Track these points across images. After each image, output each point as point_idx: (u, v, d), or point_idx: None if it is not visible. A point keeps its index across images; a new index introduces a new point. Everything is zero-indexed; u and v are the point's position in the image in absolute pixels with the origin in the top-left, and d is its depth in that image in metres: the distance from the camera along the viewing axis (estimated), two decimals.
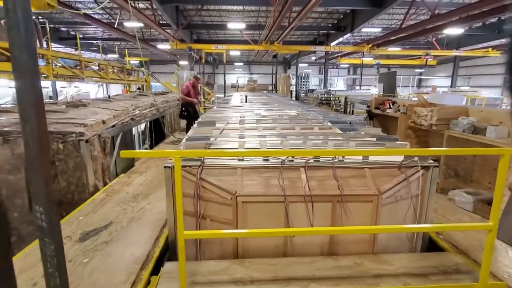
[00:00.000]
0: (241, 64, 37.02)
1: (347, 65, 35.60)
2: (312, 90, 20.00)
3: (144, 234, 2.95)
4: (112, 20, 16.07)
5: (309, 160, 2.64)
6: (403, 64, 28.48)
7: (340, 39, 18.77)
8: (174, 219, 2.69)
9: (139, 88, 15.10)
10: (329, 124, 3.90)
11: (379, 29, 18.10)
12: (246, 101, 7.30)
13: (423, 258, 2.63)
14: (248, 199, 2.46)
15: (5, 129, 3.74)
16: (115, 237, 2.89)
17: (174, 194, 2.65)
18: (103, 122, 4.53)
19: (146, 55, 30.42)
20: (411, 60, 26.35)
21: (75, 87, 27.00)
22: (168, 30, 15.55)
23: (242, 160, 2.70)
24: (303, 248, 2.57)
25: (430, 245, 2.98)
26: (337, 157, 2.70)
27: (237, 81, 30.51)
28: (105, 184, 4.38)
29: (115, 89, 35.11)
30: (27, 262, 2.47)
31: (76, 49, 14.63)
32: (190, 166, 2.61)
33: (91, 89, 27.90)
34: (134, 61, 23.38)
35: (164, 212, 3.41)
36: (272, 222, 2.51)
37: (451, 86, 24.60)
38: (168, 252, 2.79)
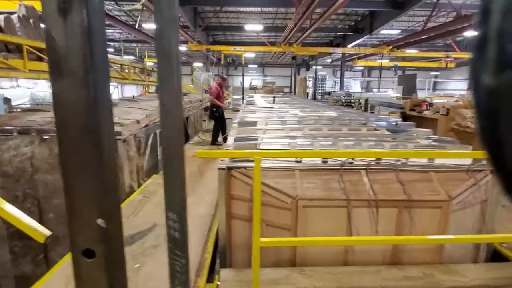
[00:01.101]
0: (255, 66, 36.99)
1: (362, 67, 35.20)
2: (329, 93, 19.74)
3: (191, 239, 2.81)
4: (131, 22, 16.18)
5: (370, 162, 2.48)
6: (419, 67, 27.95)
7: (358, 41, 18.50)
8: (228, 224, 2.57)
9: (156, 90, 15.13)
10: (374, 125, 3.72)
11: (398, 31, 17.76)
12: (274, 102, 7.18)
13: (493, 268, 2.44)
14: (309, 203, 2.31)
15: (42, 127, 3.68)
16: (162, 241, 2.77)
17: (228, 197, 2.53)
18: (137, 122, 4.45)
19: None
20: (428, 62, 25.81)
21: None
22: (188, 32, 15.57)
23: (300, 162, 2.55)
24: (364, 256, 2.40)
25: (494, 254, 2.78)
26: (399, 159, 2.53)
27: (250, 83, 30.46)
28: (139, 185, 4.30)
29: (130, 90, 35.53)
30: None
31: None
32: (245, 168, 2.47)
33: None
34: (150, 62, 23.59)
35: (206, 215, 3.31)
36: (333, 228, 2.35)
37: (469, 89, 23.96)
38: (218, 259, 2.66)
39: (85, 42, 0.66)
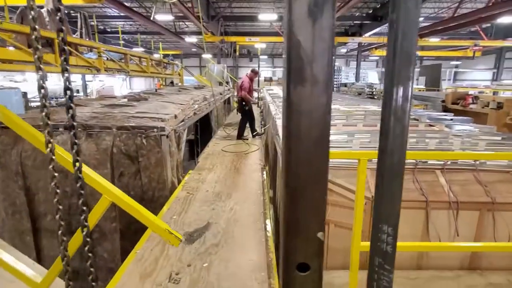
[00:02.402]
0: (265, 57, 36.69)
1: (377, 58, 34.63)
2: (345, 84, 19.49)
3: (249, 238, 2.80)
4: (143, 13, 16.11)
5: (447, 161, 2.41)
6: (438, 56, 27.41)
7: (376, 30, 18.15)
8: None
9: (171, 82, 15.11)
10: (428, 121, 3.64)
11: (421, 18, 17.37)
12: None
13: None
14: None
15: (87, 123, 3.68)
16: (221, 239, 2.76)
17: None
18: (175, 116, 4.42)
19: (172, 48, 30.59)
20: (449, 51, 25.19)
21: (100, 81, 27.51)
22: (204, 23, 15.44)
23: (370, 160, 2.50)
24: (440, 260, 2.36)
25: None
26: (477, 160, 2.46)
27: (259, 74, 30.23)
28: (179, 180, 4.29)
29: (138, 83, 35.64)
30: None
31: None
32: None
33: (115, 83, 28.36)
34: (157, 54, 23.52)
35: (256, 214, 3.28)
36: (408, 230, 2.30)
37: (495, 80, 23.42)
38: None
39: (330, 46, 0.62)
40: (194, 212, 3.32)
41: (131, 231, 3.79)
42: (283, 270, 0.74)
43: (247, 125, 6.97)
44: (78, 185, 1.03)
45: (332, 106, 3.07)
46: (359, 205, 1.61)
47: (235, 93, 17.01)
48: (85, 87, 24.13)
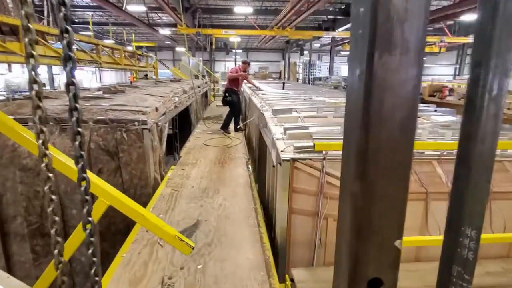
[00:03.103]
0: (240, 51, 36.27)
1: (348, 53, 35.33)
2: (320, 78, 19.66)
3: (243, 235, 2.64)
4: (115, 3, 15.25)
5: (443, 152, 2.37)
6: None
7: (348, 25, 18.35)
8: (289, 219, 2.41)
9: (145, 75, 14.50)
10: None
11: None
12: (283, 88, 6.97)
13: None
14: None
15: (60, 116, 3.33)
16: (214, 238, 2.58)
17: (290, 191, 2.36)
18: (156, 109, 4.14)
19: (144, 40, 29.43)
20: None
21: None
22: (178, 14, 14.86)
23: None
24: (438, 251, 2.32)
25: None
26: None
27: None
28: (162, 177, 4.04)
29: (109, 76, 33.95)
30: None
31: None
32: (310, 159, 2.30)
33: (84, 77, 26.84)
34: (130, 47, 22.47)
35: (248, 209, 3.14)
36: (408, 222, 2.24)
37: (457, 75, 24.56)
38: (279, 256, 2.51)
39: (427, 2, 0.46)
40: (181, 209, 3.11)
41: (111, 232, 3.51)
42: (348, 286, 0.59)
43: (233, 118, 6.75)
44: (82, 188, 0.81)
45: (318, 98, 2.95)
46: None
47: (212, 86, 16.67)
48: (52, 80, 22.65)
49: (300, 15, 13.14)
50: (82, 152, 0.82)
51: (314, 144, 1.63)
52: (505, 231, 2.21)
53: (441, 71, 30.27)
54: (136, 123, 3.45)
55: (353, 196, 0.56)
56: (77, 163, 0.81)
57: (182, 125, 7.94)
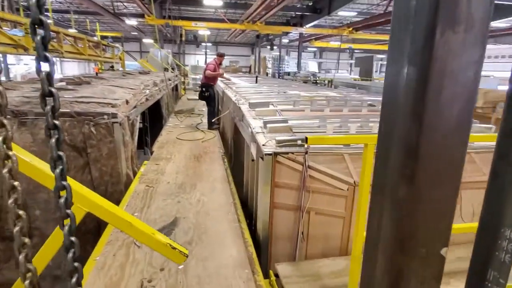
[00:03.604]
0: (210, 44, 35.52)
1: (315, 49, 35.75)
2: (288, 73, 19.76)
3: (224, 231, 2.54)
4: None
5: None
6: (367, 49, 29.25)
7: (315, 22, 18.57)
8: (271, 214, 2.34)
9: (111, 67, 13.70)
10: None
11: (355, 13, 18.19)
12: (256, 82, 6.86)
13: None
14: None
15: (19, 109, 2.99)
16: (194, 236, 2.44)
17: (272, 185, 2.28)
18: (127, 102, 3.87)
19: (108, 30, 27.83)
20: (379, 45, 26.85)
21: (25, 64, 23.99)
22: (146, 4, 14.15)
23: (349, 145, 2.38)
24: None
25: None
26: None
27: (205, 61, 29.20)
28: (134, 173, 3.80)
29: (71, 68, 31.75)
30: None
31: None
32: (293, 153, 2.24)
33: (42, 68, 24.86)
34: (94, 37, 21.08)
35: (227, 204, 3.04)
36: None
37: None
38: (261, 251, 2.44)
39: None
40: (158, 207, 2.92)
41: (81, 232, 3.25)
42: None
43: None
44: (62, 200, 0.65)
45: (292, 92, 2.87)
46: (364, 194, 1.45)
47: (182, 79, 16.18)
48: (7, 70, 20.76)
49: (269, 10, 13.04)
50: (60, 153, 0.66)
51: (306, 138, 1.56)
52: (474, 217, 2.31)
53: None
54: (106, 117, 3.19)
55: (397, 203, 0.48)
56: (54, 167, 0.65)
57: (152, 119, 7.62)
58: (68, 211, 0.67)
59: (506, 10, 10.41)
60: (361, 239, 1.48)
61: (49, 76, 0.62)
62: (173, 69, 16.04)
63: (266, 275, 2.26)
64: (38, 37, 0.59)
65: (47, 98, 0.63)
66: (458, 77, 0.42)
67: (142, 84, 5.31)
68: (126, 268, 2.00)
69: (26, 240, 0.73)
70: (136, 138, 4.30)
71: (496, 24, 14.21)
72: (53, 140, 0.64)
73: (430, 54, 0.40)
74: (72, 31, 14.03)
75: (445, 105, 0.43)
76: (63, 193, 0.67)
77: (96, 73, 8.61)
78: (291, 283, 1.97)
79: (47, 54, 0.61)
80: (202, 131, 6.18)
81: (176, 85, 12.11)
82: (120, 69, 13.60)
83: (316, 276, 1.98)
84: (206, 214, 2.81)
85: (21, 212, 0.69)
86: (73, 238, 0.68)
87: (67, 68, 31.54)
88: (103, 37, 16.05)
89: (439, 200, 0.48)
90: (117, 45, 12.35)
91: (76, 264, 0.70)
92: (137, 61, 12.75)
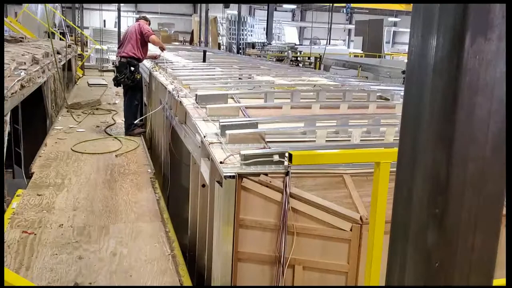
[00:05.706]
0: None
1: (293, 7, 36.31)
2: (253, 45, 20.11)
3: None
4: None
5: None
6: (373, 9, 30.72)
7: None
8: (234, 269, 2.41)
9: None
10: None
11: None
12: (204, 60, 6.91)
13: None
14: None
15: None
16: None
17: (236, 225, 2.36)
18: None
19: None
20: (386, 4, 28.21)
21: None
22: None
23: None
24: None
25: None
26: None
27: (117, 22, 28.68)
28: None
29: None
30: None
31: None
32: (266, 174, 2.34)
33: None
34: None
35: (161, 259, 3.09)
36: None
37: None
38: None
39: None
40: (44, 267, 2.89)
41: None
42: None
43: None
44: None
45: (261, 78, 3.07)
46: (377, 236, 1.56)
47: (79, 51, 15.88)
48: None
49: None
50: None
51: (290, 154, 1.63)
52: None
53: None
54: None
55: (425, 252, 0.57)
56: None
57: (29, 119, 7.42)
58: None
59: None
60: None
61: None
62: (63, 34, 15.74)
63: None
64: None
65: None
66: (493, 93, 0.51)
67: (13, 61, 5.18)
68: None
69: None
70: (4, 150, 4.20)
71: None
72: None
73: (460, 66, 0.49)
74: None
75: (479, 126, 0.52)
76: None
77: None
78: None
79: None
80: (116, 138, 6.14)
81: (69, 61, 11.90)
82: None
83: None
84: (127, 274, 2.82)
85: None
86: None
87: None
88: None
89: (477, 247, 0.57)
90: None
91: None
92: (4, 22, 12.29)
